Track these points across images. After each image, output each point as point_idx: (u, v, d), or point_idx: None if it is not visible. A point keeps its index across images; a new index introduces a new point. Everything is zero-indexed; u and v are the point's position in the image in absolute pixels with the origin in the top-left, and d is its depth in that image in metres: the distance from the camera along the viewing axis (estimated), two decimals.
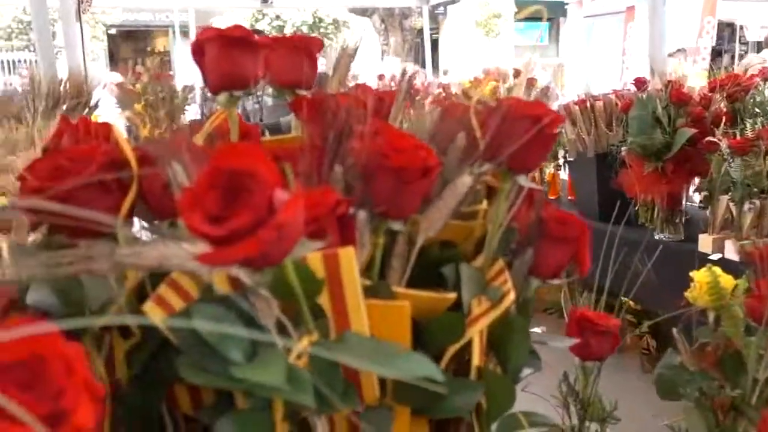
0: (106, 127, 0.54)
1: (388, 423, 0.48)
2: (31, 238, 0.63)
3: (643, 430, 1.62)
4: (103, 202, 0.45)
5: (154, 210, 0.48)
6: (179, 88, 4.09)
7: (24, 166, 0.48)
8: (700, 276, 0.94)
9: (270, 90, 0.64)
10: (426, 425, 0.56)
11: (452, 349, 0.53)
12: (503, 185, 0.54)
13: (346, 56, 0.73)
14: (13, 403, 0.23)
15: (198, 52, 0.55)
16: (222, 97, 0.55)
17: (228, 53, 0.53)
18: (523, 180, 0.54)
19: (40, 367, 0.27)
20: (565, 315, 0.94)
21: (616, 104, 2.80)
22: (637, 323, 2.66)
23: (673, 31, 3.99)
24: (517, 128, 0.50)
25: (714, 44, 6.94)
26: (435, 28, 13.22)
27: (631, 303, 1.23)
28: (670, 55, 6.02)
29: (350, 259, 0.44)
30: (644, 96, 2.49)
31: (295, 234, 0.36)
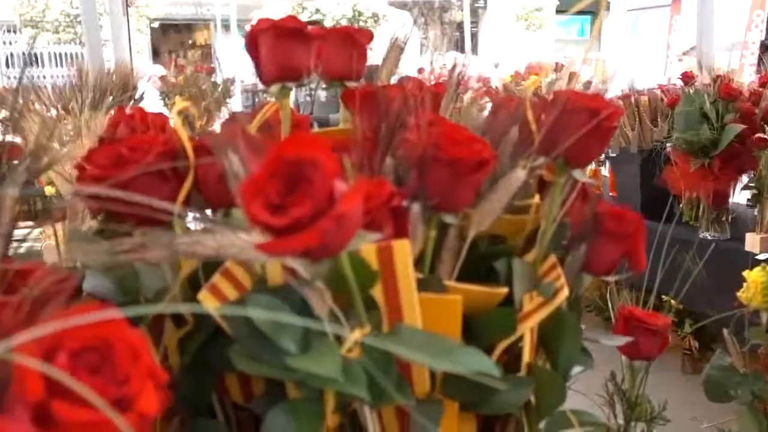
0: (161, 118, 0.55)
1: (439, 417, 0.48)
2: (84, 227, 0.64)
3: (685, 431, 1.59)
4: (161, 191, 0.45)
5: (209, 200, 0.49)
6: (220, 80, 4.14)
7: (79, 156, 0.49)
8: (753, 276, 0.92)
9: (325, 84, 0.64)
10: (474, 421, 0.55)
11: (502, 345, 0.53)
12: (558, 179, 0.53)
13: (396, 48, 0.72)
14: (86, 388, 0.24)
15: (251, 43, 0.55)
16: (274, 88, 0.55)
17: (282, 44, 0.53)
18: (579, 174, 0.53)
19: (108, 352, 0.28)
20: (612, 313, 0.93)
21: (662, 99, 2.74)
22: (678, 323, 2.61)
23: (720, 24, 3.89)
24: (575, 121, 0.49)
25: (763, 38, 6.75)
26: (474, 22, 13.13)
27: (673, 302, 1.21)
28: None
29: (405, 252, 0.44)
30: (692, 91, 2.43)
31: (354, 225, 0.35)
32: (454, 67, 0.66)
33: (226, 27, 9.76)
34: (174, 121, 0.47)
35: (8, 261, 0.41)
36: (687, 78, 2.61)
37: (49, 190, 1.27)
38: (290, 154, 0.33)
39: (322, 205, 0.33)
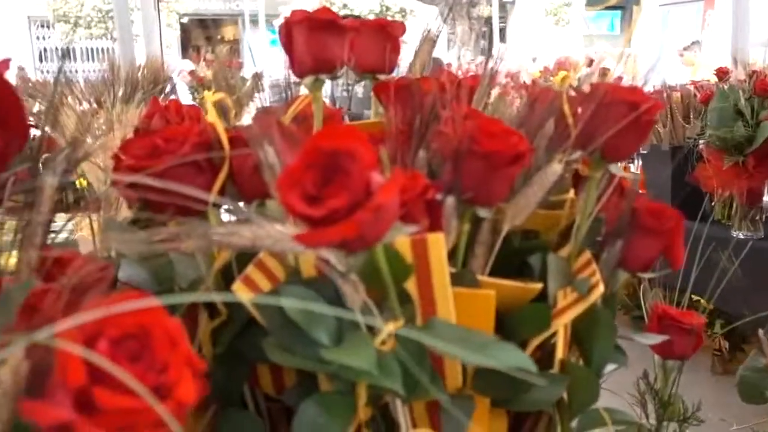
0: (195, 110, 0.55)
1: (471, 411, 0.47)
2: (119, 218, 0.65)
3: None
4: (196, 182, 0.45)
5: (243, 191, 0.49)
6: (248, 75, 4.16)
7: (114, 147, 0.49)
8: None
9: (364, 81, 0.64)
10: (505, 417, 0.55)
11: (536, 341, 0.52)
12: (594, 174, 0.52)
13: (428, 41, 0.72)
14: (128, 375, 0.24)
15: (285, 35, 0.55)
16: (308, 80, 0.55)
17: (316, 36, 0.53)
18: (616, 169, 0.52)
19: (147, 340, 0.28)
20: (645, 311, 0.91)
21: (694, 95, 2.70)
22: (708, 323, 2.57)
23: (755, 20, 3.81)
24: (613, 114, 0.48)
25: None
26: (503, 17, 13.03)
27: (704, 302, 1.20)
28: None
29: (439, 245, 0.43)
30: (726, 87, 2.39)
31: (391, 217, 0.35)
32: (488, 60, 0.65)
33: (255, 22, 9.81)
34: (209, 113, 0.48)
35: (47, 250, 0.41)
36: (722, 74, 2.57)
37: (81, 182, 1.29)
38: (327, 145, 0.33)
39: (359, 196, 0.33)
